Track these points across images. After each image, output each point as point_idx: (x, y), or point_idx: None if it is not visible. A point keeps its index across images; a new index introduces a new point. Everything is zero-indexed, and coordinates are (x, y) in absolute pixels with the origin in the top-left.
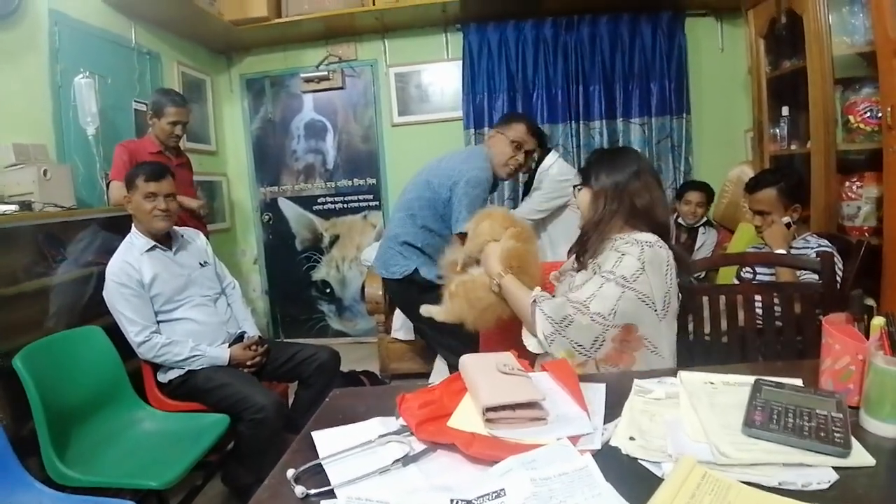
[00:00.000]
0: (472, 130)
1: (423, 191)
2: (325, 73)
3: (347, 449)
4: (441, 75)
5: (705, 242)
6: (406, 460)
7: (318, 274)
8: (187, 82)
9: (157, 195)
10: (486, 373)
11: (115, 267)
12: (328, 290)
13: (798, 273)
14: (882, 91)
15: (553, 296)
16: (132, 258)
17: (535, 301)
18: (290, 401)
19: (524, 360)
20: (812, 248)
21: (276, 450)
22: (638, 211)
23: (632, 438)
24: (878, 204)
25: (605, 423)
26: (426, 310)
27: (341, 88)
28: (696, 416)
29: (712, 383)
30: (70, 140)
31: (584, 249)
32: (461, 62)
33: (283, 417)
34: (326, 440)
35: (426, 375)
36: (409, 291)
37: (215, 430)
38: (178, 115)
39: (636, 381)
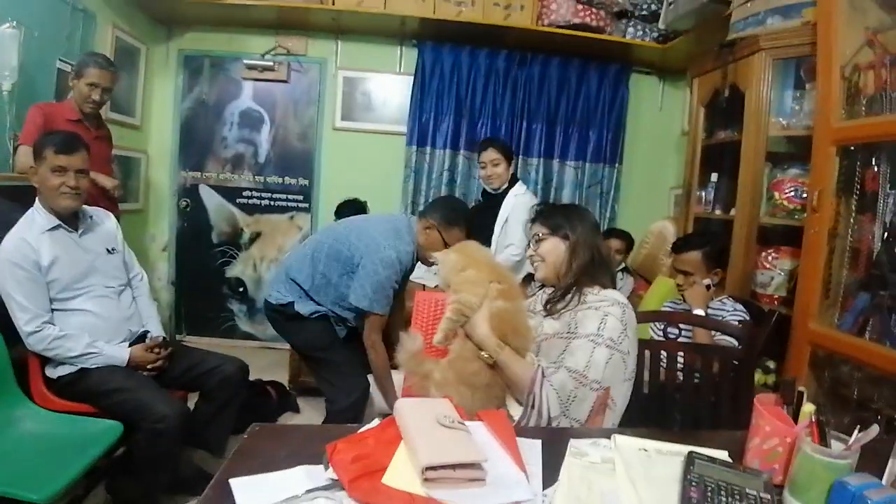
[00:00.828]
0: (415, 147)
1: (340, 244)
2: (271, 63)
3: None
4: (390, 87)
5: (622, 288)
6: None
7: (233, 271)
8: (120, 48)
9: (66, 170)
10: (425, 425)
11: (11, 244)
12: (241, 290)
13: (713, 334)
14: (812, 175)
15: None
16: (31, 236)
17: (543, 375)
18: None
19: (459, 407)
20: (728, 310)
21: (172, 463)
22: (603, 261)
23: None
24: (790, 276)
25: (544, 487)
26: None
27: (285, 82)
28: (633, 489)
29: (646, 450)
30: None
31: (559, 300)
32: (412, 77)
33: (184, 429)
34: (245, 490)
35: None
36: (277, 319)
37: (106, 438)
38: (100, 78)
39: (572, 442)
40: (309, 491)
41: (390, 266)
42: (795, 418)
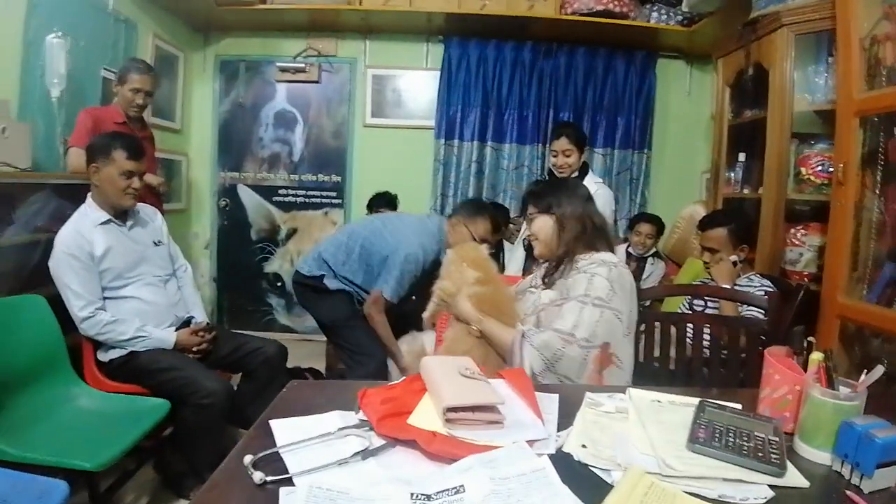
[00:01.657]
0: (443, 141)
1: (375, 237)
2: (303, 65)
3: (306, 439)
4: (418, 83)
5: (653, 273)
6: (365, 454)
7: (271, 266)
8: (160, 56)
9: (134, 174)
10: (448, 375)
11: (67, 237)
12: (279, 284)
13: (740, 308)
14: (837, 148)
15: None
16: (85, 229)
17: (523, 335)
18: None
19: (483, 366)
20: (755, 286)
21: (217, 440)
22: (598, 230)
23: (583, 446)
24: (819, 252)
25: (558, 430)
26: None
27: (316, 82)
28: (643, 431)
29: (659, 402)
30: (33, 99)
31: (553, 270)
32: (439, 73)
33: (230, 405)
34: (284, 429)
35: None
36: (304, 291)
37: (155, 414)
38: (142, 83)
39: (588, 394)
40: (341, 429)
41: (413, 262)
42: (806, 368)
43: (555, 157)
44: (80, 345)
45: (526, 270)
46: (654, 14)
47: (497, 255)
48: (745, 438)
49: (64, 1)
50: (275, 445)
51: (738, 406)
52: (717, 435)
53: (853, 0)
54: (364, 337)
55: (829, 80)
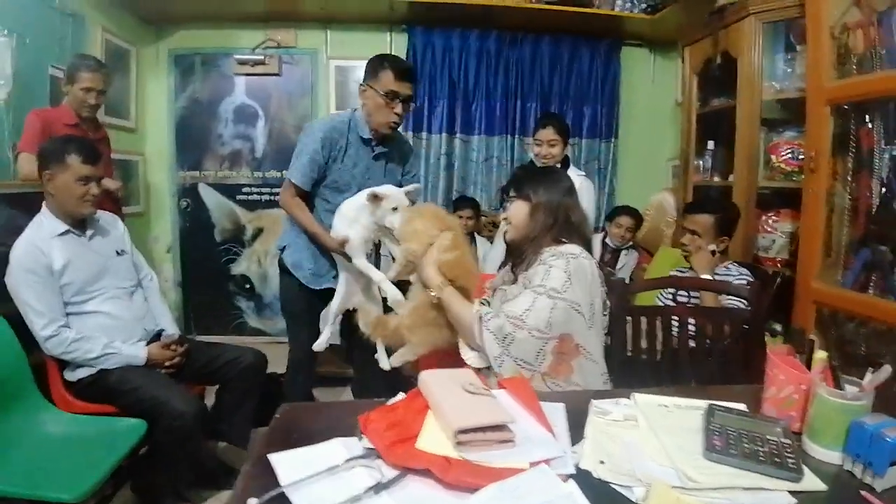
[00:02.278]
0: (411, 133)
1: None
2: (262, 57)
3: (312, 475)
4: None
5: (626, 263)
6: (378, 488)
7: (238, 268)
8: (110, 50)
9: (91, 179)
10: (452, 392)
11: (21, 250)
12: (247, 286)
13: (721, 298)
14: (808, 136)
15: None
16: (41, 241)
17: (480, 319)
18: (210, 404)
19: (481, 375)
20: (733, 275)
21: (194, 458)
22: (572, 226)
23: (602, 462)
24: (791, 238)
25: (571, 444)
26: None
27: (277, 75)
28: (657, 440)
29: (666, 406)
30: None
31: (520, 261)
32: None
33: (202, 424)
34: (286, 464)
35: (347, 379)
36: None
37: (131, 435)
38: (93, 82)
39: (594, 402)
40: (348, 460)
41: (308, 133)
42: (808, 366)
43: (539, 146)
44: (45, 364)
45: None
46: (619, 2)
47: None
48: (759, 443)
49: None
50: (278, 483)
51: (744, 406)
52: (732, 441)
53: None
54: (289, 320)
55: (797, 68)
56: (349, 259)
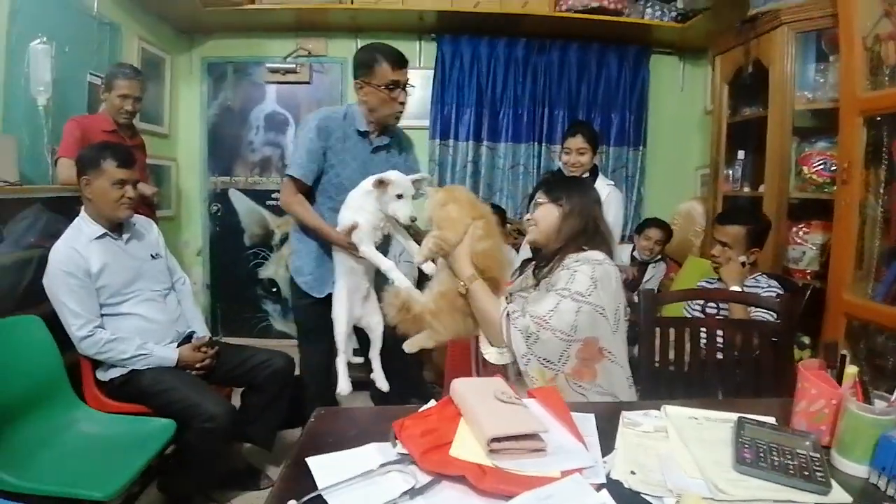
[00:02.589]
0: (438, 141)
1: None
2: (293, 66)
3: (348, 479)
4: (411, 82)
5: (654, 275)
6: (413, 493)
7: (266, 272)
8: (146, 59)
9: (126, 182)
10: (484, 400)
11: (61, 254)
12: (274, 290)
13: (750, 310)
14: (841, 147)
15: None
16: (80, 245)
17: (508, 316)
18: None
19: (510, 383)
20: (763, 287)
21: (222, 460)
22: (600, 235)
23: (633, 472)
24: (821, 250)
25: (602, 454)
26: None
27: (307, 83)
28: (688, 452)
29: (696, 419)
30: (18, 109)
31: (543, 266)
32: (432, 72)
33: (233, 427)
34: (322, 467)
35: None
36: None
37: (162, 436)
38: (129, 89)
39: (624, 414)
40: (383, 465)
41: (304, 126)
42: (839, 381)
43: (567, 154)
44: (78, 363)
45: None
46: (648, 10)
47: None
48: (789, 456)
49: (47, 6)
50: (314, 486)
51: (773, 420)
52: (762, 454)
53: None
54: (297, 329)
55: (829, 78)
56: (356, 250)
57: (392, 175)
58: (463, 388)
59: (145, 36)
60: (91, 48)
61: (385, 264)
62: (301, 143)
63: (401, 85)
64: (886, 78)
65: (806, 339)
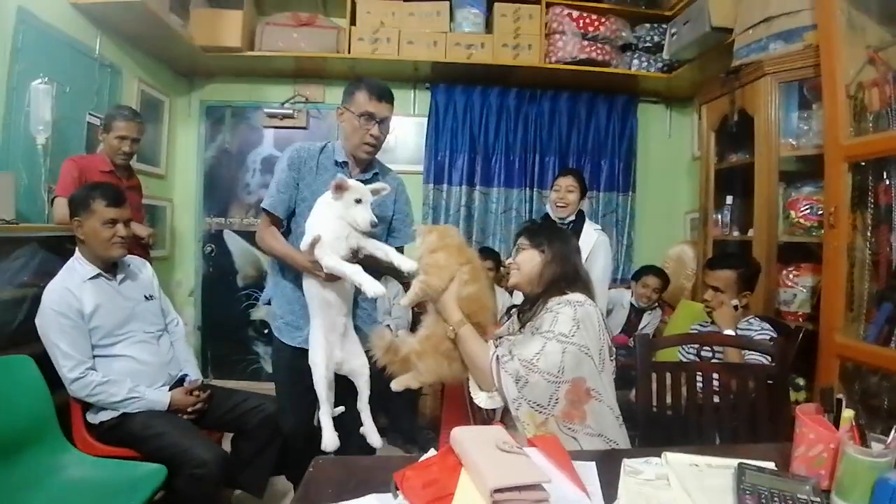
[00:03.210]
0: (432, 185)
1: None
2: (290, 111)
3: None
4: (406, 129)
5: (650, 322)
6: None
7: (258, 313)
8: (145, 101)
9: (117, 221)
10: (486, 450)
11: (55, 294)
12: (266, 332)
13: (744, 353)
14: (827, 193)
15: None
16: (73, 285)
17: (497, 360)
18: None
19: (510, 431)
20: (756, 329)
21: None
22: (580, 279)
23: None
24: (812, 292)
25: None
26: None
27: (304, 128)
28: (690, 500)
29: (696, 465)
30: (17, 147)
31: (528, 309)
32: (426, 119)
33: (224, 473)
34: None
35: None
36: None
37: (151, 482)
38: (128, 130)
39: (625, 462)
40: None
41: (278, 163)
42: (836, 424)
43: (557, 191)
44: (68, 405)
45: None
46: (636, 61)
47: None
48: (790, 502)
49: (49, 46)
50: None
51: (773, 465)
52: (764, 500)
53: (837, 48)
54: (276, 385)
55: (813, 125)
56: (321, 270)
57: (350, 180)
58: (463, 437)
59: (145, 78)
60: (91, 89)
61: (349, 269)
62: (274, 178)
63: (376, 118)
64: (870, 124)
65: (800, 381)
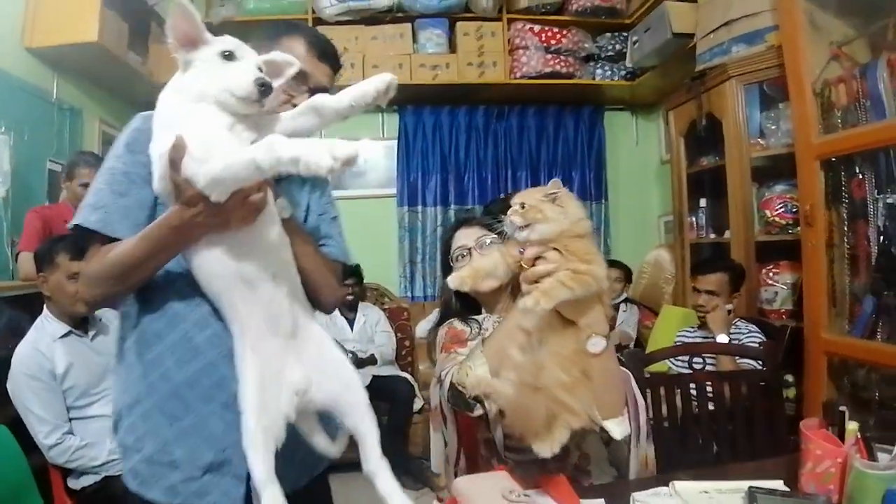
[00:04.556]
0: (406, 208)
1: None
2: None
3: None
4: (376, 152)
5: (626, 319)
6: None
7: None
8: (107, 141)
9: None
10: (492, 502)
11: (24, 356)
12: None
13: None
14: (801, 191)
15: None
16: (43, 345)
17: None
18: None
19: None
20: (744, 333)
21: None
22: None
23: None
24: (793, 289)
25: None
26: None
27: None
28: None
29: (707, 492)
30: None
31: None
32: (396, 142)
33: None
34: None
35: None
36: None
37: None
38: (91, 177)
39: (634, 496)
40: None
41: (121, 138)
42: (841, 437)
43: None
44: (46, 468)
45: None
46: (599, 71)
47: None
48: None
49: (3, 94)
50: None
51: (782, 483)
52: None
53: (801, 47)
54: None
55: (782, 125)
56: (196, 204)
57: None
58: (468, 489)
59: (106, 118)
60: (51, 133)
61: (268, 151)
62: (100, 169)
63: (309, 84)
64: (839, 120)
65: (789, 378)
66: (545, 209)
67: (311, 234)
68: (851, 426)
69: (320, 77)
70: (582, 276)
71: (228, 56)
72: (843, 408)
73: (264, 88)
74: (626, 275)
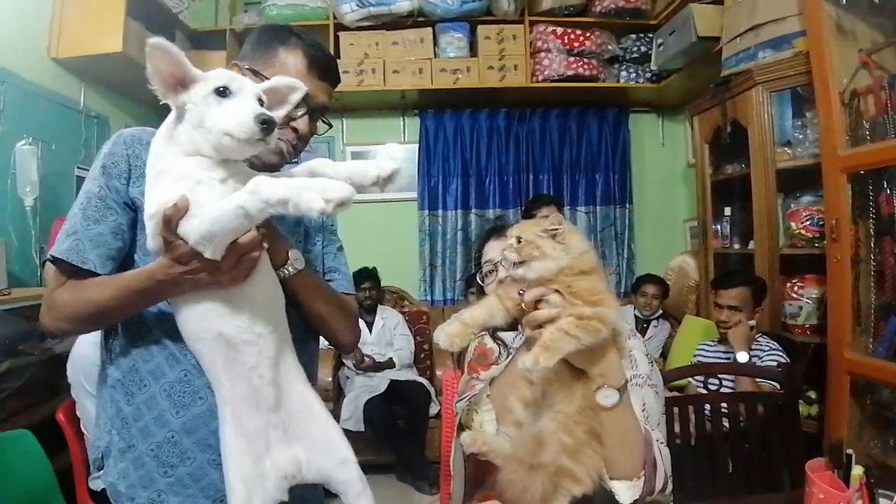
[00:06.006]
0: (427, 212)
1: None
2: None
3: None
4: (397, 156)
5: (657, 334)
6: None
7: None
8: None
9: None
10: None
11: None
12: None
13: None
14: (827, 205)
15: None
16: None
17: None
18: None
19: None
20: (764, 350)
21: None
22: None
23: None
24: (818, 304)
25: None
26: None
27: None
28: None
29: None
30: (5, 211)
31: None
32: (417, 146)
33: None
34: None
35: (378, 467)
36: None
37: None
38: None
39: None
40: None
41: (97, 161)
42: (846, 481)
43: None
44: (70, 470)
45: None
46: (623, 73)
47: None
48: None
49: (32, 105)
50: None
51: None
52: None
53: (828, 54)
54: None
55: (809, 134)
56: (185, 262)
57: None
58: None
59: (132, 125)
60: (78, 142)
61: (260, 195)
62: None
63: (309, 105)
64: (867, 132)
65: (812, 394)
66: (543, 245)
67: (322, 278)
68: (857, 471)
69: (321, 97)
70: (589, 321)
71: (223, 92)
72: (849, 451)
73: (266, 126)
74: (664, 291)
